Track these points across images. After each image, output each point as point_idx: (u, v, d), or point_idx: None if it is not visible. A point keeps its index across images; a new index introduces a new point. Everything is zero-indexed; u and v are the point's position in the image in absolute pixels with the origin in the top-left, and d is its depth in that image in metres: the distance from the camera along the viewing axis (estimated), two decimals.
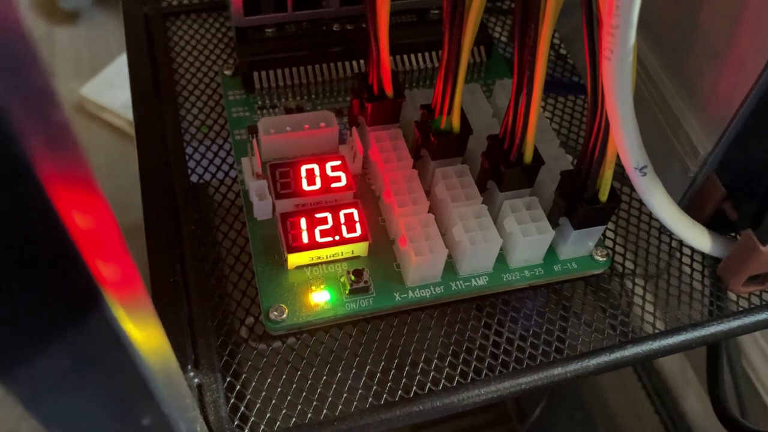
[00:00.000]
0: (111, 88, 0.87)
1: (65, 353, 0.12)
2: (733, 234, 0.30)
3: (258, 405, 0.25)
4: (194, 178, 0.31)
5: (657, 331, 0.28)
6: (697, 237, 0.28)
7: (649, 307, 0.30)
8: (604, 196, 0.26)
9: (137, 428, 0.15)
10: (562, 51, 0.39)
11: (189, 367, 0.26)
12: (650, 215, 0.32)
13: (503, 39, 0.40)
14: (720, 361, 0.42)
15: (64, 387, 0.13)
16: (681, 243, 0.32)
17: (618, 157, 0.24)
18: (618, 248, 0.31)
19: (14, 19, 0.09)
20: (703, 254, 0.31)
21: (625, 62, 0.21)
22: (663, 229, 0.32)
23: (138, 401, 0.14)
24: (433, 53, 0.35)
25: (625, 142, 0.23)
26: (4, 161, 0.08)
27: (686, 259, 0.31)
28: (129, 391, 0.14)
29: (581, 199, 0.27)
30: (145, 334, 0.14)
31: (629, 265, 0.31)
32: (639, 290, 0.30)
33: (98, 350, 0.12)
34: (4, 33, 0.08)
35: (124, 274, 0.13)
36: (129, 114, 0.84)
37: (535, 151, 0.27)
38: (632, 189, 0.33)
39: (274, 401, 0.26)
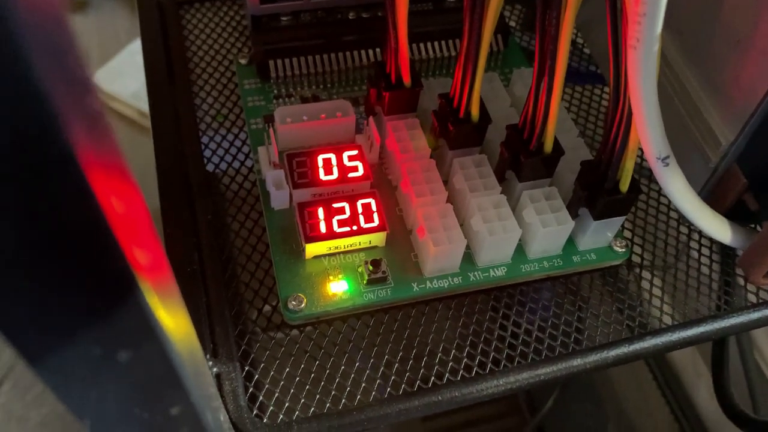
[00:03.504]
0: (120, 77, 0.87)
1: (98, 341, 0.12)
2: (753, 225, 0.29)
3: (276, 394, 0.25)
4: (210, 168, 0.31)
5: (676, 322, 0.28)
6: (718, 228, 0.27)
7: (667, 299, 0.29)
8: (624, 186, 0.26)
9: (165, 418, 0.15)
10: (579, 40, 0.39)
11: (207, 356, 0.26)
12: (668, 206, 0.32)
13: (518, 28, 0.39)
14: (726, 353, 0.42)
15: (96, 375, 0.13)
16: (699, 234, 0.31)
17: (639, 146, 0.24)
18: (636, 239, 0.31)
19: (57, 8, 0.09)
20: (721, 245, 0.31)
21: (651, 51, 0.20)
22: (682, 220, 0.32)
23: (167, 390, 0.14)
24: (450, 42, 0.35)
25: (649, 132, 0.23)
26: (49, 149, 0.08)
27: (705, 251, 0.31)
28: (159, 380, 0.14)
29: (602, 190, 0.26)
30: (174, 321, 0.14)
31: (647, 256, 0.31)
32: (657, 281, 0.30)
33: (131, 337, 0.12)
34: (48, 23, 0.08)
35: (155, 260, 0.13)
36: (138, 103, 0.85)
37: (555, 141, 0.27)
38: (649, 179, 0.33)
39: (292, 390, 0.25)
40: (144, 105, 0.80)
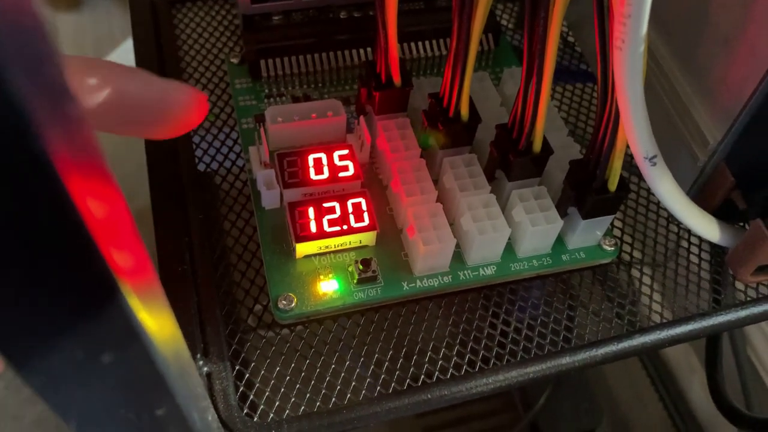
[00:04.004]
0: None
1: (81, 344, 0.12)
2: (741, 224, 0.29)
3: (267, 393, 0.25)
4: (201, 167, 0.31)
5: (665, 320, 0.28)
6: (706, 226, 0.27)
7: (656, 297, 0.30)
8: (613, 185, 0.26)
9: (151, 418, 0.15)
10: (570, 39, 0.39)
11: (198, 355, 0.26)
12: (658, 204, 0.32)
13: (510, 26, 0.40)
14: (719, 350, 0.42)
15: (79, 378, 0.13)
16: (689, 233, 0.32)
17: (627, 146, 0.24)
18: (626, 237, 0.31)
19: (32, 13, 0.09)
20: (710, 244, 0.31)
21: (637, 52, 0.21)
22: (671, 219, 0.32)
23: (152, 392, 0.14)
24: (441, 41, 0.35)
25: (636, 131, 0.23)
26: (23, 155, 0.08)
27: (694, 249, 0.31)
28: (143, 382, 0.14)
29: (590, 189, 0.27)
30: (158, 323, 0.14)
31: (637, 254, 0.31)
32: (647, 279, 0.30)
33: (113, 340, 0.12)
34: (23, 28, 0.08)
35: (137, 262, 0.13)
36: None
37: (544, 140, 0.27)
38: (639, 178, 0.33)
39: (282, 389, 0.26)
40: None
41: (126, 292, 0.12)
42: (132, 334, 0.12)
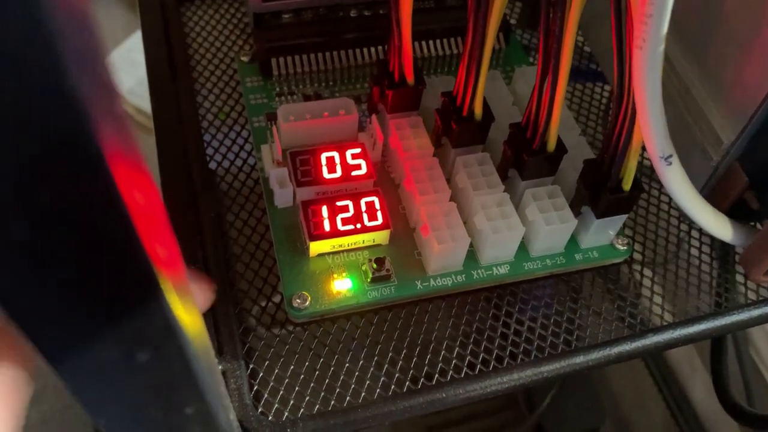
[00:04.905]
0: (116, 73, 0.87)
1: (120, 341, 0.12)
2: (753, 223, 0.30)
3: (281, 392, 0.25)
4: (213, 165, 0.31)
5: (677, 320, 0.28)
6: (719, 226, 0.28)
7: (668, 296, 0.30)
8: (627, 185, 0.26)
9: (180, 417, 0.15)
10: (579, 38, 0.39)
11: None
12: (669, 203, 0.32)
13: (516, 25, 0.39)
14: (724, 349, 0.43)
15: (115, 375, 0.13)
16: (700, 232, 0.32)
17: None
18: (637, 237, 0.31)
19: (86, 13, 0.09)
20: (721, 243, 0.31)
21: (657, 52, 0.21)
22: (682, 218, 0.32)
23: (183, 389, 0.14)
24: (452, 39, 0.35)
25: (652, 131, 0.23)
26: (82, 152, 0.08)
27: (705, 248, 0.31)
28: (176, 379, 0.14)
29: (605, 188, 0.27)
30: (190, 318, 0.14)
31: (648, 253, 0.31)
32: (658, 279, 0.30)
33: (152, 336, 0.12)
34: (80, 29, 0.08)
35: (171, 255, 0.13)
36: (135, 99, 0.84)
37: (558, 140, 0.27)
38: (650, 177, 0.33)
39: (297, 388, 0.26)
40: (140, 101, 0.80)
41: (165, 287, 0.12)
42: (170, 329, 0.12)
